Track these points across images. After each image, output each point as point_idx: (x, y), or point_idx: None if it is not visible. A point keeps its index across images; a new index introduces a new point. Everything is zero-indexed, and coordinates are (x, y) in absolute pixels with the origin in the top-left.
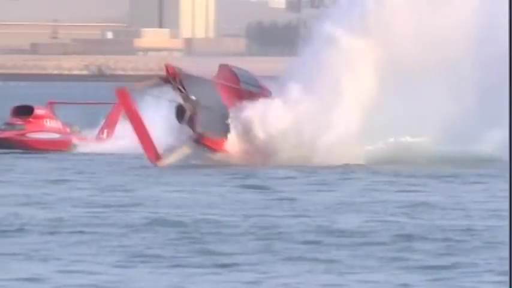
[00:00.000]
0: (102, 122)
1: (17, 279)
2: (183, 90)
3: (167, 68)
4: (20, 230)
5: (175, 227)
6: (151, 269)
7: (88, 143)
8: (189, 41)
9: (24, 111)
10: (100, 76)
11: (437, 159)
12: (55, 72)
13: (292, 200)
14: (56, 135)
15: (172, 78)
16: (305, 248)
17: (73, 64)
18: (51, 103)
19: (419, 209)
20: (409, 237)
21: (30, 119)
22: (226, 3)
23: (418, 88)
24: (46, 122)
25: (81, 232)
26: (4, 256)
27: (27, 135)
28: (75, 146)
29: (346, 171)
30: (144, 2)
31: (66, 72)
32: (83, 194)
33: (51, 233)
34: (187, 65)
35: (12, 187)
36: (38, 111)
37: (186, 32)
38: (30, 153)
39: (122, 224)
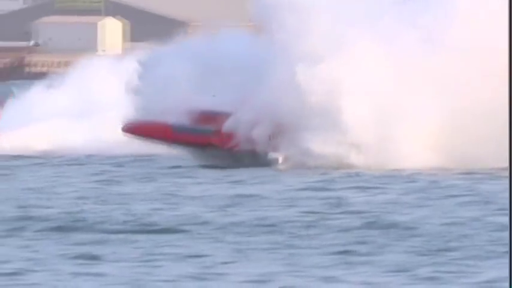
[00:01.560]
0: None
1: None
2: None
3: None
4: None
5: (388, 228)
6: (358, 271)
7: None
8: None
9: None
10: None
11: None
12: None
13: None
14: None
15: None
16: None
17: None
18: None
19: None
20: None
21: None
22: None
23: None
24: None
25: (291, 233)
26: (209, 257)
27: None
28: None
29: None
30: None
31: None
32: (290, 195)
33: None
34: None
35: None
36: None
37: None
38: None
39: (333, 225)
